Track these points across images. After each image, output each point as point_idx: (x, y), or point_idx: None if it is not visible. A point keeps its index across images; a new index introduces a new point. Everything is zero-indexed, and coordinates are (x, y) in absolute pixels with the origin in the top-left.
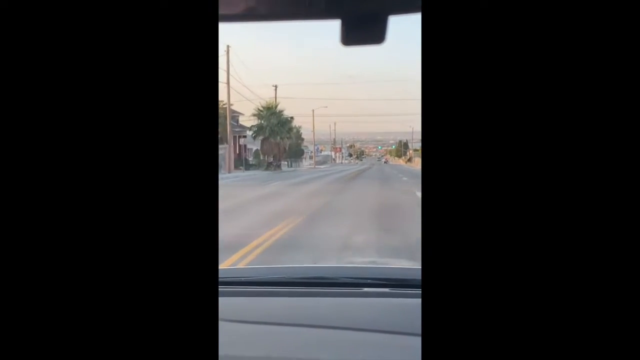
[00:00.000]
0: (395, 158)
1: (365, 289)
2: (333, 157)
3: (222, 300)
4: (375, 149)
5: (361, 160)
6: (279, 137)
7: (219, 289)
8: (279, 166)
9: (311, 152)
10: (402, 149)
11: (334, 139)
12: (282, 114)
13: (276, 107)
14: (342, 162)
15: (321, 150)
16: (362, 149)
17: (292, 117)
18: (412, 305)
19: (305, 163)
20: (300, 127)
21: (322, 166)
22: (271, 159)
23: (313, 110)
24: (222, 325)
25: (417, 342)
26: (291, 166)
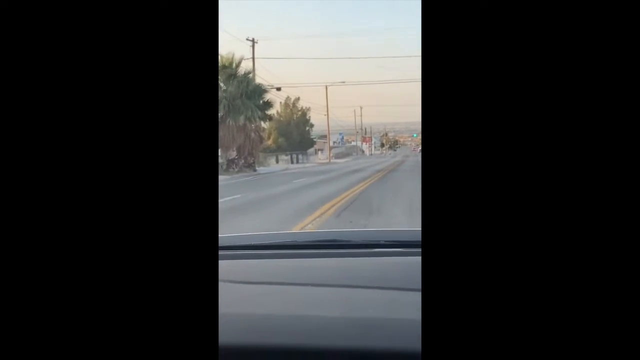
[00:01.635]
0: None
1: (376, 249)
2: (361, 147)
3: (229, 263)
4: (410, 138)
5: (394, 150)
6: (242, 117)
7: (226, 253)
8: (250, 165)
9: (333, 142)
10: None
11: (365, 129)
12: (252, 79)
13: (237, 65)
14: (371, 154)
15: (348, 142)
16: (396, 138)
17: (278, 88)
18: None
19: (321, 157)
20: (308, 108)
21: (340, 160)
22: (234, 155)
23: (326, 87)
24: (228, 286)
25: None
26: (297, 162)
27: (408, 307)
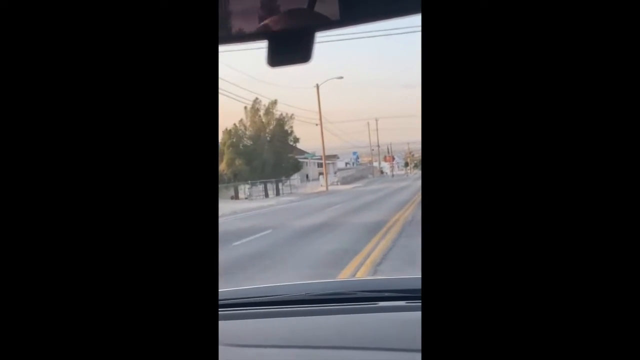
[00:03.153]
0: None
1: (381, 304)
2: (380, 168)
3: (232, 324)
4: None
5: (420, 169)
6: None
7: (229, 312)
8: None
9: (345, 163)
10: None
11: (387, 148)
12: None
13: None
14: (392, 175)
15: (371, 162)
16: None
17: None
18: None
19: (322, 182)
20: (291, 116)
21: (345, 187)
22: None
23: (318, 85)
24: (233, 350)
25: None
26: (277, 193)
27: None
